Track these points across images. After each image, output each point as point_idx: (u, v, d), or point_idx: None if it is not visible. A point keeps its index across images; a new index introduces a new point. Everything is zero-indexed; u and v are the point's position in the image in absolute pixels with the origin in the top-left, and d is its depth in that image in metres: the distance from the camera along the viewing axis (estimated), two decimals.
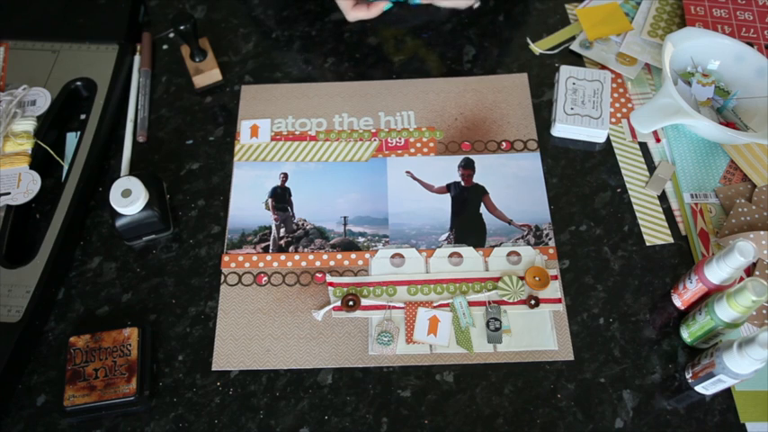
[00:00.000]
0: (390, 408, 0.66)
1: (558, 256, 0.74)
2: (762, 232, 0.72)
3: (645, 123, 0.76)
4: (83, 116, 0.84)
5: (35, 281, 0.70)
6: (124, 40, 0.88)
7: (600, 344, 0.69)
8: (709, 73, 0.84)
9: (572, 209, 0.77)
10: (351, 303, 0.71)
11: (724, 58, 0.83)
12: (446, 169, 0.80)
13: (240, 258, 0.75)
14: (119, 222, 0.72)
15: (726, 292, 0.62)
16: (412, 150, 0.81)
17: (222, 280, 0.74)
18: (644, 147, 0.81)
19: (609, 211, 0.77)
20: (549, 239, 0.75)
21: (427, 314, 0.71)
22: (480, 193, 0.78)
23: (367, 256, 0.75)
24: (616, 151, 0.81)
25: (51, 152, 0.79)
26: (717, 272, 0.63)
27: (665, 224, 0.75)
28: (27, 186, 0.76)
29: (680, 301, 0.69)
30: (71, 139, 0.82)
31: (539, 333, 0.70)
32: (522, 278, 0.72)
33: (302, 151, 0.82)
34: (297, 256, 0.75)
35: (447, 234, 0.76)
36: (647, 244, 0.74)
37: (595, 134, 0.80)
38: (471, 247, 0.75)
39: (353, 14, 0.89)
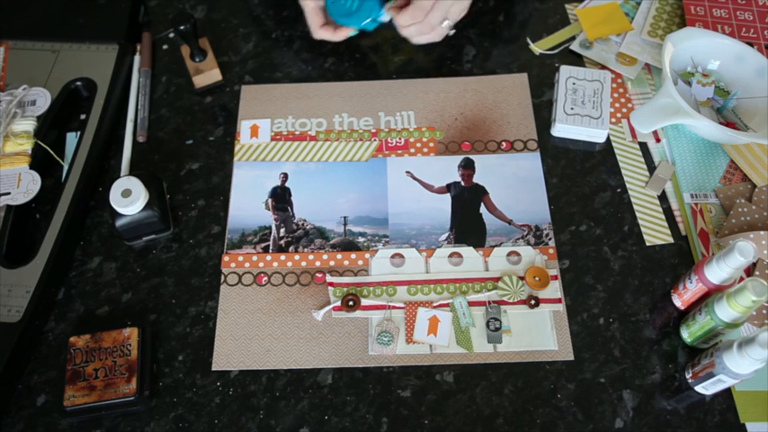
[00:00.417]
0: (390, 408, 0.66)
1: (558, 256, 0.74)
2: (762, 232, 0.72)
3: (645, 123, 0.77)
4: (83, 116, 0.84)
5: (35, 281, 0.70)
6: (124, 40, 0.88)
7: (600, 344, 0.69)
8: (710, 73, 0.84)
9: (572, 209, 0.77)
10: (351, 303, 0.71)
11: (724, 58, 0.83)
12: (446, 169, 0.80)
13: (240, 258, 0.75)
14: (119, 222, 0.72)
15: (726, 292, 0.62)
16: (412, 150, 0.81)
17: (222, 280, 0.74)
18: (644, 147, 0.81)
19: (609, 211, 0.77)
20: (549, 239, 0.75)
21: (427, 314, 0.71)
22: (480, 193, 0.78)
23: (367, 256, 0.75)
24: (616, 151, 0.81)
25: (51, 152, 0.79)
26: (717, 272, 0.63)
27: (665, 224, 0.75)
28: (27, 186, 0.76)
29: (680, 301, 0.69)
30: (71, 139, 0.82)
31: (539, 333, 0.70)
32: (522, 278, 0.72)
33: (302, 151, 0.82)
34: (297, 256, 0.75)
35: (447, 234, 0.76)
36: (647, 244, 0.74)
37: (595, 134, 0.80)
38: (471, 247, 0.75)
39: (320, 33, 0.84)
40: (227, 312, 0.72)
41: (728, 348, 0.59)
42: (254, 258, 0.75)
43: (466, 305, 0.71)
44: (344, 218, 0.77)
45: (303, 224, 0.77)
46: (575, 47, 0.88)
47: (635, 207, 0.77)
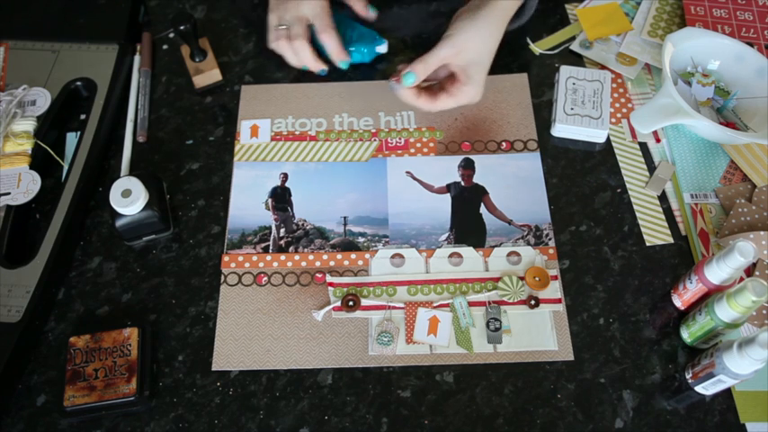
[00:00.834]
0: (390, 408, 0.66)
1: (558, 257, 0.74)
2: (762, 232, 0.72)
3: (645, 123, 0.77)
4: (83, 116, 0.84)
5: (35, 281, 0.70)
6: (124, 40, 0.88)
7: (600, 344, 0.69)
8: (709, 73, 0.84)
9: (572, 209, 0.77)
10: (351, 303, 0.71)
11: (724, 58, 0.83)
12: (446, 169, 0.80)
13: (240, 258, 0.75)
14: (119, 222, 0.72)
15: (726, 292, 0.62)
16: (412, 150, 0.81)
17: (222, 280, 0.74)
18: (644, 147, 0.81)
19: (609, 212, 0.77)
20: (549, 239, 0.75)
21: (427, 314, 0.71)
22: (480, 193, 0.78)
23: (367, 256, 0.75)
24: (616, 151, 0.81)
25: (51, 152, 0.79)
26: (717, 272, 0.63)
27: (665, 224, 0.75)
28: (27, 186, 0.76)
29: (680, 301, 0.69)
30: (71, 139, 0.82)
31: (539, 333, 0.70)
32: (522, 278, 0.72)
33: (302, 151, 0.82)
34: (297, 257, 0.75)
35: (447, 234, 0.76)
36: (647, 244, 0.74)
37: (595, 134, 0.80)
38: (471, 248, 0.75)
39: (275, 44, 0.83)
40: (227, 312, 0.72)
41: (728, 349, 0.59)
42: (254, 258, 0.75)
43: (466, 305, 0.71)
44: (344, 218, 0.77)
45: (303, 224, 0.77)
46: (575, 47, 0.88)
47: (635, 207, 0.77)
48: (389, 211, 0.77)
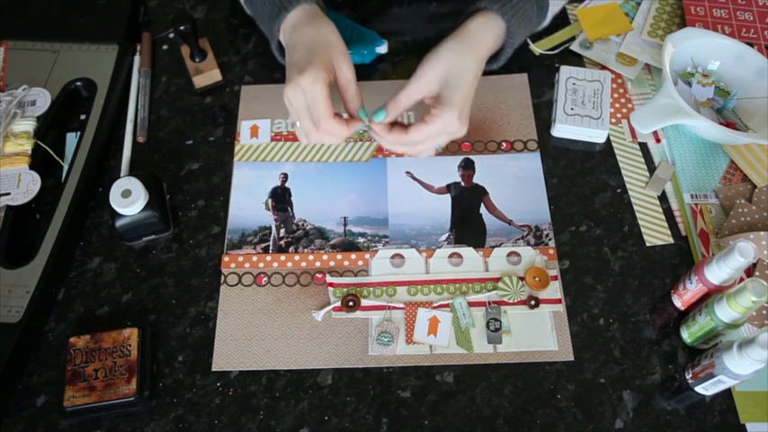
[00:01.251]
0: (390, 408, 0.66)
1: (558, 257, 0.74)
2: (762, 233, 0.72)
3: (645, 124, 0.77)
4: (83, 116, 0.84)
5: (35, 281, 0.70)
6: (124, 41, 0.88)
7: (600, 344, 0.69)
8: (710, 73, 0.84)
9: (572, 209, 0.77)
10: (351, 304, 0.71)
11: (724, 59, 0.83)
12: (446, 169, 0.80)
13: (240, 259, 0.75)
14: (119, 223, 0.72)
15: (726, 292, 0.62)
16: None
17: (222, 280, 0.74)
18: (644, 147, 0.81)
19: (609, 212, 0.77)
20: (549, 240, 0.75)
21: (427, 314, 0.71)
22: (480, 193, 0.78)
23: (367, 256, 0.75)
24: (616, 151, 0.81)
25: (51, 152, 0.79)
26: (717, 272, 0.63)
27: (665, 224, 0.75)
28: (27, 186, 0.76)
29: (680, 301, 0.69)
30: (71, 139, 0.82)
31: (539, 333, 0.70)
32: (522, 278, 0.72)
33: (302, 151, 0.82)
34: (297, 257, 0.75)
35: (447, 234, 0.76)
36: (647, 244, 0.74)
37: (595, 134, 0.80)
38: (471, 248, 0.75)
39: (328, 127, 0.66)
40: (227, 313, 0.72)
41: (728, 349, 0.59)
42: (254, 259, 0.75)
43: (466, 305, 0.71)
44: (344, 218, 0.77)
45: (303, 224, 0.77)
46: (575, 47, 0.88)
47: (635, 207, 0.77)
48: (389, 211, 0.77)
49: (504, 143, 0.81)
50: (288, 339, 0.70)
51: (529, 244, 0.75)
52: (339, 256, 0.75)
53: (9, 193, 0.76)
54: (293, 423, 0.66)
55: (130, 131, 0.84)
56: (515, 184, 0.79)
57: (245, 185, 0.80)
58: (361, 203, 0.78)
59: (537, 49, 0.89)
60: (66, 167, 0.79)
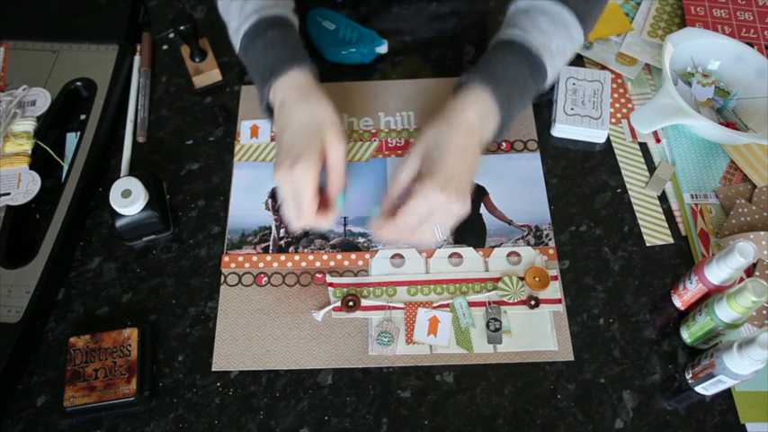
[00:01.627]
0: (390, 408, 0.66)
1: (558, 257, 0.74)
2: (762, 233, 0.72)
3: (645, 124, 0.77)
4: (83, 116, 0.84)
5: (35, 281, 0.70)
6: (124, 41, 0.88)
7: (600, 344, 0.69)
8: (710, 73, 0.84)
9: (572, 209, 0.77)
10: (351, 304, 0.71)
11: (724, 59, 0.83)
12: None
13: (240, 259, 0.75)
14: (119, 223, 0.72)
15: (726, 292, 0.62)
16: None
17: (222, 280, 0.74)
18: (644, 147, 0.81)
19: (609, 212, 0.77)
20: (549, 240, 0.75)
21: (427, 315, 0.71)
22: (480, 193, 0.78)
23: (367, 256, 0.75)
24: (616, 151, 0.81)
25: (51, 152, 0.79)
26: (717, 272, 0.63)
27: (665, 224, 0.75)
28: (27, 186, 0.76)
29: (680, 301, 0.69)
30: (71, 139, 0.82)
31: (539, 333, 0.70)
32: (522, 278, 0.72)
33: None
34: (297, 257, 0.75)
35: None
36: (647, 244, 0.74)
37: (595, 134, 0.80)
38: (471, 248, 0.75)
39: (311, 220, 0.66)
40: (227, 313, 0.72)
41: (728, 349, 0.59)
42: (254, 259, 0.75)
43: (466, 305, 0.71)
44: (345, 218, 0.77)
45: None
46: None
47: (635, 207, 0.77)
48: None
49: (504, 143, 0.81)
50: (288, 339, 0.70)
51: (529, 244, 0.75)
52: (339, 256, 0.75)
53: (9, 193, 0.76)
54: (293, 423, 0.66)
55: (130, 131, 0.84)
56: (515, 184, 0.79)
57: (245, 185, 0.80)
58: (362, 203, 0.78)
59: None
60: (66, 167, 0.79)
